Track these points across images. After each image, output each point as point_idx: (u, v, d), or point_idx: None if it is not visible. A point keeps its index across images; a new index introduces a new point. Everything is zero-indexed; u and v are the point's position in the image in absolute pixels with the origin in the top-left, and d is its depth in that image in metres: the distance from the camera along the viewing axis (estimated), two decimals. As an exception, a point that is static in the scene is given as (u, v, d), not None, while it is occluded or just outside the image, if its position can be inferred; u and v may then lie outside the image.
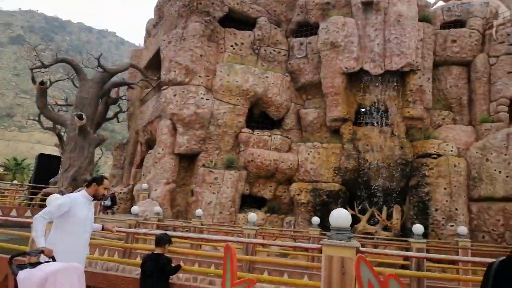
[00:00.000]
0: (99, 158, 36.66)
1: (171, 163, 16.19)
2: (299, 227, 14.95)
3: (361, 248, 4.92)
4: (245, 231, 9.91)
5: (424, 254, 7.65)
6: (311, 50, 17.92)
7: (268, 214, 15.71)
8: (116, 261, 7.95)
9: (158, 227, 11.44)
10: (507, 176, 13.40)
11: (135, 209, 10.85)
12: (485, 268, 7.59)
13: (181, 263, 6.73)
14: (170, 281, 5.05)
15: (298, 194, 15.35)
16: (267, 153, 15.91)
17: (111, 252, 9.91)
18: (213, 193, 15.15)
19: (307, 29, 19.01)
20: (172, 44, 17.24)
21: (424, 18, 17.27)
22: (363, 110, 16.89)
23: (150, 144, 19.92)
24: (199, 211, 12.52)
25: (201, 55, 16.95)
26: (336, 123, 16.56)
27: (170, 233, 5.71)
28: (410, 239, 9.33)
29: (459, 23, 17.89)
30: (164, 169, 16.02)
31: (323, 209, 14.97)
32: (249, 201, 16.41)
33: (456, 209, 14.00)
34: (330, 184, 15.41)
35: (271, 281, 6.07)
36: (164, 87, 17.19)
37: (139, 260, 9.94)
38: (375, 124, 16.14)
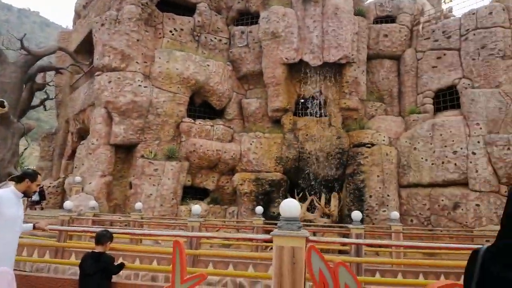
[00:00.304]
0: (25, 149, 33.73)
1: (107, 154, 15.31)
2: (242, 217, 15.01)
3: (310, 237, 4.99)
4: (189, 223, 9.66)
5: (370, 241, 8.02)
6: (252, 39, 17.88)
7: (211, 205, 15.55)
8: (48, 261, 7.33)
9: (94, 223, 10.77)
10: (432, 164, 14.52)
11: (68, 204, 10.08)
12: (414, 251, 8.06)
13: (121, 260, 6.38)
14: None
15: (241, 184, 15.35)
16: (210, 143, 15.67)
17: (41, 252, 9.14)
18: (153, 185, 14.62)
19: (248, 17, 18.90)
20: (106, 27, 16.18)
21: (359, 12, 17.97)
22: (302, 101, 17.28)
23: (83, 134, 18.68)
24: (138, 204, 12.00)
25: (138, 40, 16.12)
26: (278, 113, 16.76)
27: (111, 229, 5.35)
28: (349, 225, 9.74)
29: (390, 18, 18.87)
30: (99, 160, 15.10)
31: (265, 199, 15.18)
32: (191, 193, 16.09)
33: (388, 195, 14.92)
34: (273, 173, 15.63)
35: (220, 274, 5.97)
36: (98, 73, 16.12)
37: (74, 259, 9.29)
38: (314, 115, 16.60)
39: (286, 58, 16.39)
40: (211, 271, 6.13)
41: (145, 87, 15.80)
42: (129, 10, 16.10)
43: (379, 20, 19.01)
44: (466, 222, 13.18)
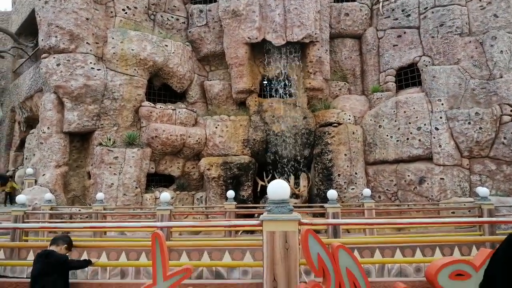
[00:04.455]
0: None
1: (61, 143, 14.12)
2: (211, 202, 14.53)
3: (302, 220, 4.65)
4: (159, 212, 9.06)
5: (363, 220, 7.83)
6: (212, 18, 17.10)
7: (177, 192, 14.87)
8: (2, 264, 6.51)
9: (51, 217, 9.86)
10: (397, 140, 14.73)
11: (21, 198, 9.11)
12: (384, 226, 8.01)
13: (86, 256, 5.82)
14: (71, 280, 4.24)
15: (208, 169, 14.78)
16: (173, 128, 14.88)
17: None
18: (114, 174, 13.68)
19: (206, -5, 18.06)
20: (50, 5, 14.72)
21: (321, -10, 17.64)
22: (265, 82, 16.88)
23: (31, 122, 17.21)
24: (100, 195, 11.17)
25: (87, 19, 14.83)
26: (242, 95, 16.25)
27: (73, 224, 4.71)
28: (325, 205, 9.59)
29: (350, -3, 18.72)
30: (52, 150, 13.90)
31: (234, 182, 14.76)
32: (155, 180, 15.31)
33: (356, 173, 15.02)
34: (240, 156, 15.19)
35: (208, 265, 5.51)
36: (44, 55, 14.72)
37: (32, 257, 8.42)
38: (280, 96, 16.27)
39: (248, 38, 15.82)
40: (199, 264, 5.66)
41: (98, 69, 14.65)
42: (76, -14, 14.73)
43: (339, -2, 18.82)
44: (432, 196, 13.54)
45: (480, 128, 13.46)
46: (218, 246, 7.32)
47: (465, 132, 13.61)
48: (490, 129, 13.41)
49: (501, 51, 14.02)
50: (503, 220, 6.49)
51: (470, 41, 14.71)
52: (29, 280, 4.12)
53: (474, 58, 14.49)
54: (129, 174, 13.84)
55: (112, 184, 13.53)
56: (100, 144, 14.17)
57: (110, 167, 13.72)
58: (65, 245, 4.24)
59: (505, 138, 13.25)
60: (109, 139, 14.28)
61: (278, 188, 4.74)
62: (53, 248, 4.16)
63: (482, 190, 9.72)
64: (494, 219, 7.02)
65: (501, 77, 13.78)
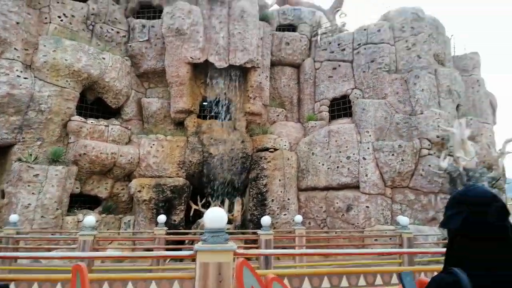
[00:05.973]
0: None
1: (-28, 157, 12.69)
2: (140, 227, 13.81)
3: (237, 250, 4.56)
4: (81, 237, 8.38)
5: (302, 251, 7.84)
6: (155, 34, 16.79)
7: (103, 215, 13.90)
8: None
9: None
10: (328, 168, 15.33)
11: None
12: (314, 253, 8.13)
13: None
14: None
15: (139, 191, 14.11)
16: (104, 146, 14.06)
17: None
18: (33, 193, 12.47)
19: (149, 11, 17.74)
20: (-25, 5, 13.50)
21: (264, 17, 18.21)
22: (205, 103, 16.82)
23: None
24: (14, 217, 10.09)
25: (17, 23, 13.80)
26: (181, 115, 15.96)
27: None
28: (259, 231, 9.57)
29: (292, 27, 19.61)
30: (-40, 164, 12.43)
31: (166, 206, 14.23)
32: (79, 201, 14.22)
33: (289, 199, 15.31)
34: (175, 178, 14.74)
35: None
36: (-37, 58, 13.33)
37: None
38: (219, 118, 16.25)
39: (191, 58, 15.73)
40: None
41: (25, 78, 13.57)
42: (6, -13, 13.69)
43: (281, 28, 19.60)
44: (358, 223, 14.18)
45: (402, 159, 14.51)
46: (143, 278, 6.94)
47: (389, 163, 14.58)
48: (411, 161, 14.51)
49: (423, 89, 15.40)
50: (419, 251, 6.96)
51: (396, 78, 15.99)
52: None
53: (399, 94, 15.74)
54: (50, 194, 12.73)
55: (29, 204, 12.33)
56: (20, 159, 12.93)
57: (28, 185, 12.53)
58: None
59: (423, 170, 14.39)
60: (30, 155, 13.11)
61: (214, 216, 4.61)
62: None
63: (402, 219, 10.35)
64: (412, 250, 7.50)
65: (422, 113, 15.07)
